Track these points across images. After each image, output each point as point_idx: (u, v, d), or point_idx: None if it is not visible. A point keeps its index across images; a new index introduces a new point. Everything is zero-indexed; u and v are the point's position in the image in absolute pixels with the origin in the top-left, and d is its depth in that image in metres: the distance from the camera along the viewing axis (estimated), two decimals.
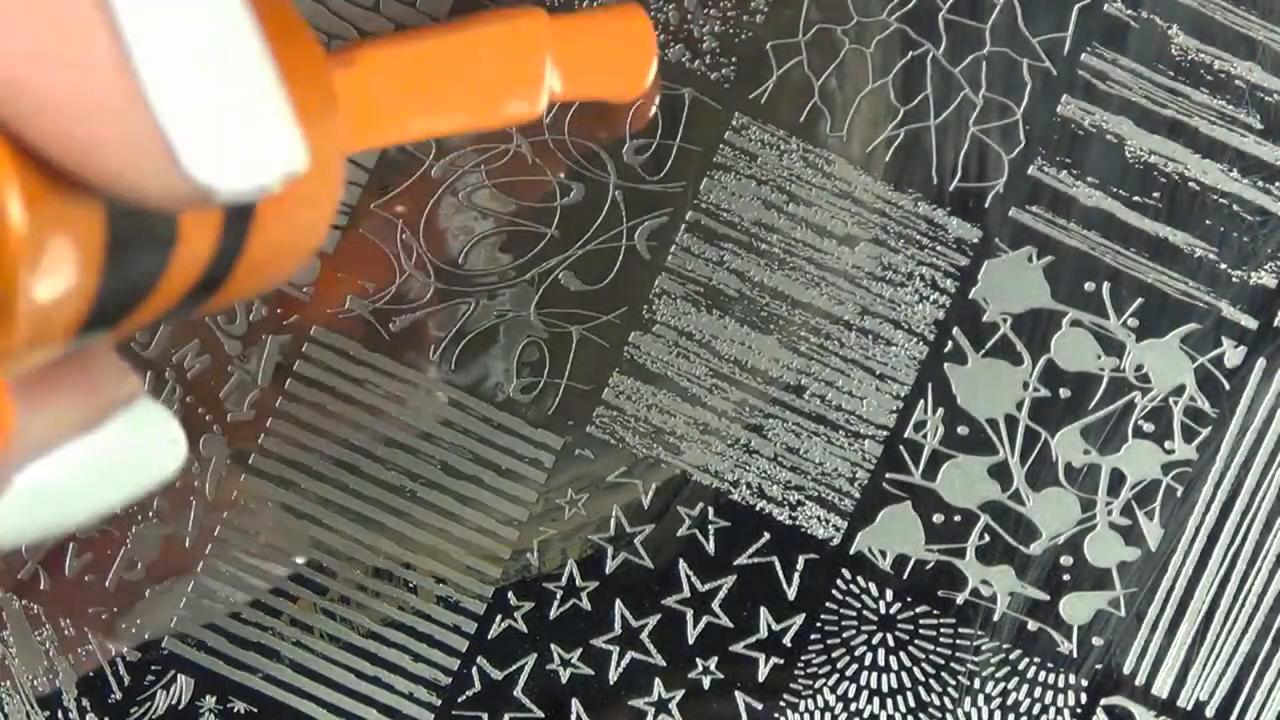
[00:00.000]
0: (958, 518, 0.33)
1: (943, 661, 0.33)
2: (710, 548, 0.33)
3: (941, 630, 0.33)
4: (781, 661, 0.33)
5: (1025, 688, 0.33)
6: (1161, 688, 0.33)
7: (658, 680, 0.33)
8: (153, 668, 0.33)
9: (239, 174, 0.16)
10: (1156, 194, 0.33)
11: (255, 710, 0.33)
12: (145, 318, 0.18)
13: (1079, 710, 0.33)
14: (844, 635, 0.33)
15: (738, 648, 0.33)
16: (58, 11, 0.15)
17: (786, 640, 0.33)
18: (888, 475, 0.33)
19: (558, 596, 0.33)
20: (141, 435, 0.19)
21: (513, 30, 0.28)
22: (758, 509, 0.33)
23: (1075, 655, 0.33)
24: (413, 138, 0.26)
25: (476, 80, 0.27)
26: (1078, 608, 0.33)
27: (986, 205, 0.33)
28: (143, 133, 0.15)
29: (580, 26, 0.29)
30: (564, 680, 0.33)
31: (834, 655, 0.33)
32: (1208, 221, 0.33)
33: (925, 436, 0.33)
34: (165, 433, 0.20)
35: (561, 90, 0.29)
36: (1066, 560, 0.33)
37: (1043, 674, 0.33)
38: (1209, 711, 0.33)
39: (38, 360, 0.17)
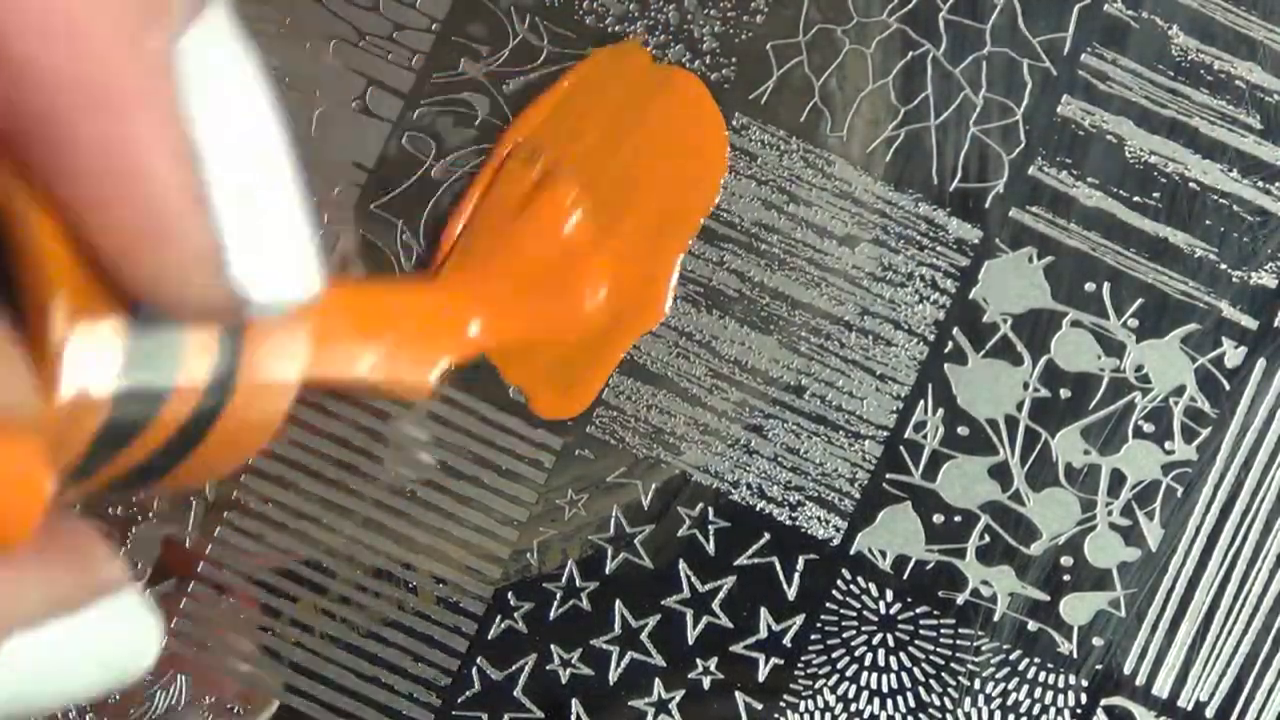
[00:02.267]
0: (958, 518, 0.33)
1: (943, 662, 0.33)
2: (710, 548, 0.33)
3: (941, 631, 0.33)
4: (781, 662, 0.33)
5: (1025, 688, 0.33)
6: (1162, 688, 0.33)
7: (658, 680, 0.33)
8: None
9: (272, 289, 0.18)
10: (1156, 194, 0.33)
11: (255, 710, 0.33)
12: (130, 460, 0.19)
13: (1079, 710, 0.33)
14: (844, 635, 0.33)
15: (738, 648, 0.33)
16: (133, 114, 0.16)
17: (786, 640, 0.33)
18: (888, 475, 0.33)
19: (558, 597, 0.33)
20: (122, 627, 0.19)
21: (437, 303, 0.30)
22: (758, 509, 0.33)
23: (1075, 656, 0.33)
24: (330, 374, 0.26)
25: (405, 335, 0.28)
26: (1078, 608, 0.33)
27: (986, 205, 0.33)
28: (200, 239, 0.17)
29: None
30: (564, 680, 0.33)
31: (834, 655, 0.33)
32: (1208, 222, 0.33)
33: (925, 437, 0.33)
34: (145, 626, 0.19)
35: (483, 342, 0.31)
36: (1067, 561, 0.33)
37: (1043, 674, 0.33)
38: (1209, 712, 0.33)
39: (61, 461, 0.18)
